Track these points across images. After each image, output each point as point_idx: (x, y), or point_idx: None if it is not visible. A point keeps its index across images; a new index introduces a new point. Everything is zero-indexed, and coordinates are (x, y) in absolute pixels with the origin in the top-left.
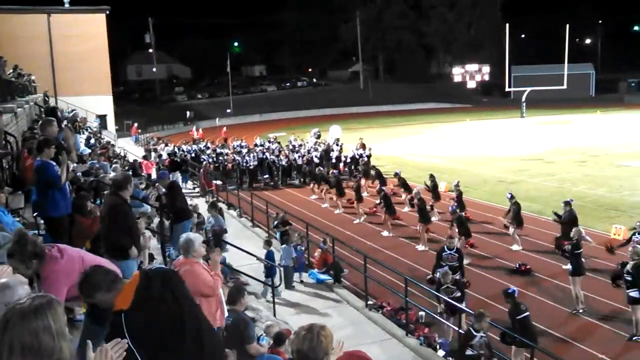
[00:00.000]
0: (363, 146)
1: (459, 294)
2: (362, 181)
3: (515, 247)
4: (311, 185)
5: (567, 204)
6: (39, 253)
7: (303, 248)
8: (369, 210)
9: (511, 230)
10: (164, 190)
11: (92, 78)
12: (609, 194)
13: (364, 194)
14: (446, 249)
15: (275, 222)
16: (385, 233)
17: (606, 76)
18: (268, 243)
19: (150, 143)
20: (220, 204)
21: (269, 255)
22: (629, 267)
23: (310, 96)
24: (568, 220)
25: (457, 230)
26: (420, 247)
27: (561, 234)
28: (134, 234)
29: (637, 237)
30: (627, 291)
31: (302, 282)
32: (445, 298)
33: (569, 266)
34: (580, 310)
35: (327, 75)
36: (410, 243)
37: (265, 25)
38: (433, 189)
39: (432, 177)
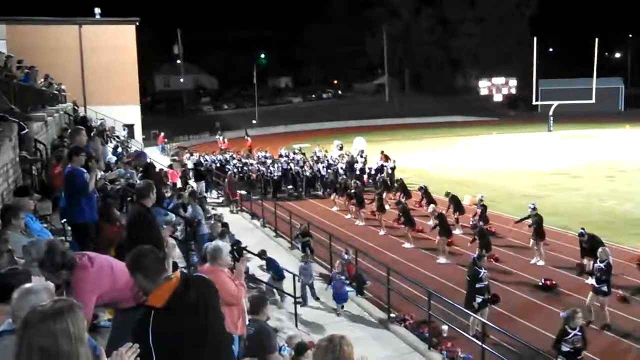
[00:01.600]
0: (386, 158)
1: (580, 344)
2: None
3: (540, 262)
4: (332, 196)
5: (585, 233)
6: (68, 263)
7: (344, 277)
8: (392, 222)
9: (531, 243)
10: (140, 170)
11: (120, 88)
12: (637, 210)
13: (387, 207)
14: (481, 269)
15: (297, 233)
16: (406, 245)
17: (636, 91)
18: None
19: (170, 153)
20: (244, 213)
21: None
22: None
23: (336, 108)
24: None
25: (477, 242)
26: (442, 261)
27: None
28: (156, 242)
29: None
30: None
31: (339, 314)
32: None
33: (591, 281)
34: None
35: (352, 87)
36: (432, 255)
37: (291, 38)
38: (456, 203)
39: (449, 194)
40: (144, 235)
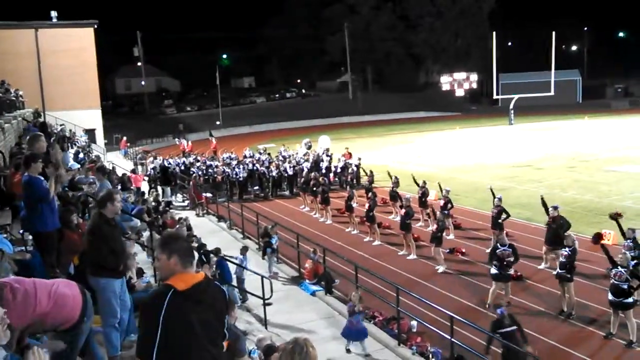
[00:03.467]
0: (349, 155)
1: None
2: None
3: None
4: (302, 195)
5: (555, 208)
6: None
7: (361, 316)
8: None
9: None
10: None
11: (80, 92)
12: (597, 199)
13: (354, 204)
14: (499, 246)
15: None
16: (375, 242)
17: (592, 82)
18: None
19: (137, 157)
20: (210, 216)
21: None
22: (625, 273)
23: (300, 107)
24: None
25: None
26: (411, 256)
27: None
28: (115, 252)
29: (627, 242)
30: (620, 299)
31: (366, 356)
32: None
33: (557, 271)
34: (574, 314)
35: (315, 86)
36: (398, 250)
37: (253, 38)
38: (422, 196)
39: (424, 183)
40: (100, 247)
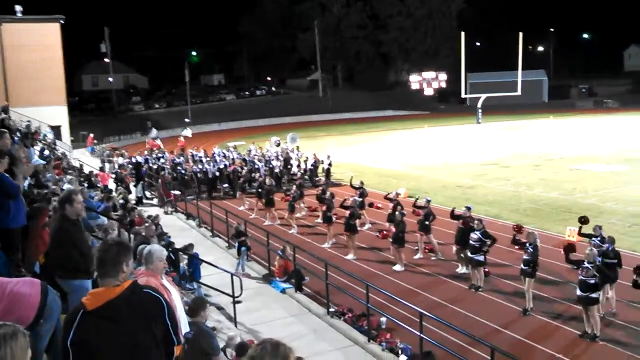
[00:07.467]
0: (314, 156)
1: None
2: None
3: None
4: (239, 195)
5: (469, 209)
6: None
7: None
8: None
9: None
10: None
11: (46, 88)
12: (562, 197)
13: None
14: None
15: (232, 234)
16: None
17: (558, 82)
18: None
19: (105, 154)
20: (179, 214)
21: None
22: (592, 269)
23: (270, 105)
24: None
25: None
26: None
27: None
28: (84, 254)
29: (594, 241)
30: (587, 293)
31: None
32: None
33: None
34: (529, 310)
35: (286, 84)
36: (366, 249)
37: (223, 35)
38: (361, 195)
39: (361, 184)
40: (69, 250)
